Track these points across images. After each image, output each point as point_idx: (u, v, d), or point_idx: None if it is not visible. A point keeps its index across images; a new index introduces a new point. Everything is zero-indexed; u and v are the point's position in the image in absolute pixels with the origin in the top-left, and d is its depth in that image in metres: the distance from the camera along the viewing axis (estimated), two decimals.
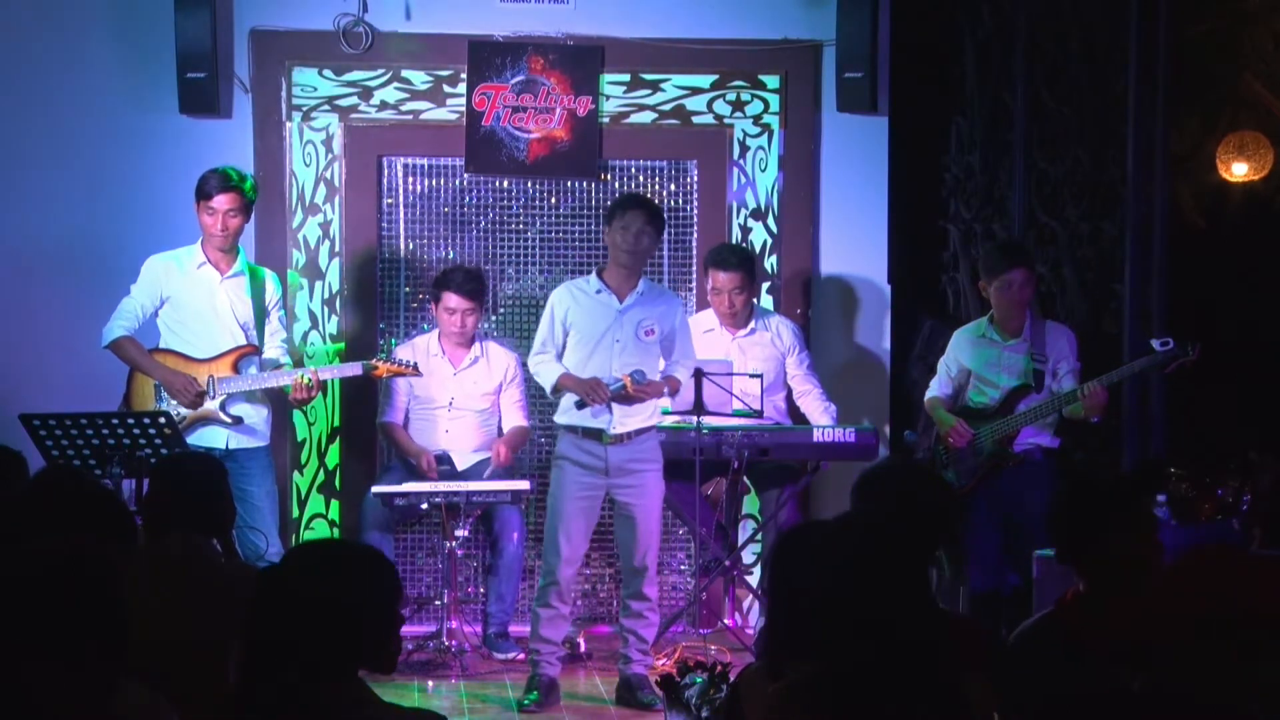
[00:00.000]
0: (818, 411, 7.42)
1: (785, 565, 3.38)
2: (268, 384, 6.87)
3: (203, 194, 6.83)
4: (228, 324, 6.89)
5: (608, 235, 6.55)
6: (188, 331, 6.86)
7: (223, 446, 6.78)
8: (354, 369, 7.01)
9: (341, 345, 7.66)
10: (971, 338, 7.12)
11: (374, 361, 7.03)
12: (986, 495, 6.92)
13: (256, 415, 6.93)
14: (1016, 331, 7.00)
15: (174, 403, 6.73)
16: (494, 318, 7.83)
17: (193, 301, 6.87)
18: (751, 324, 7.49)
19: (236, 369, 6.84)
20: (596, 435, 6.47)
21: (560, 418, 6.58)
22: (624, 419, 6.47)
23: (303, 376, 6.81)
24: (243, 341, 6.89)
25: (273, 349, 7.00)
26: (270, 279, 7.05)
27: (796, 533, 3.54)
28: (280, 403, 7.19)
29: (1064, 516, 3.97)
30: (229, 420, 6.81)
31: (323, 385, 6.94)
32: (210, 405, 6.78)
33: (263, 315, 6.96)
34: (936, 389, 7.16)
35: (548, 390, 6.63)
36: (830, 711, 3.01)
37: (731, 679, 5.35)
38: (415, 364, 7.09)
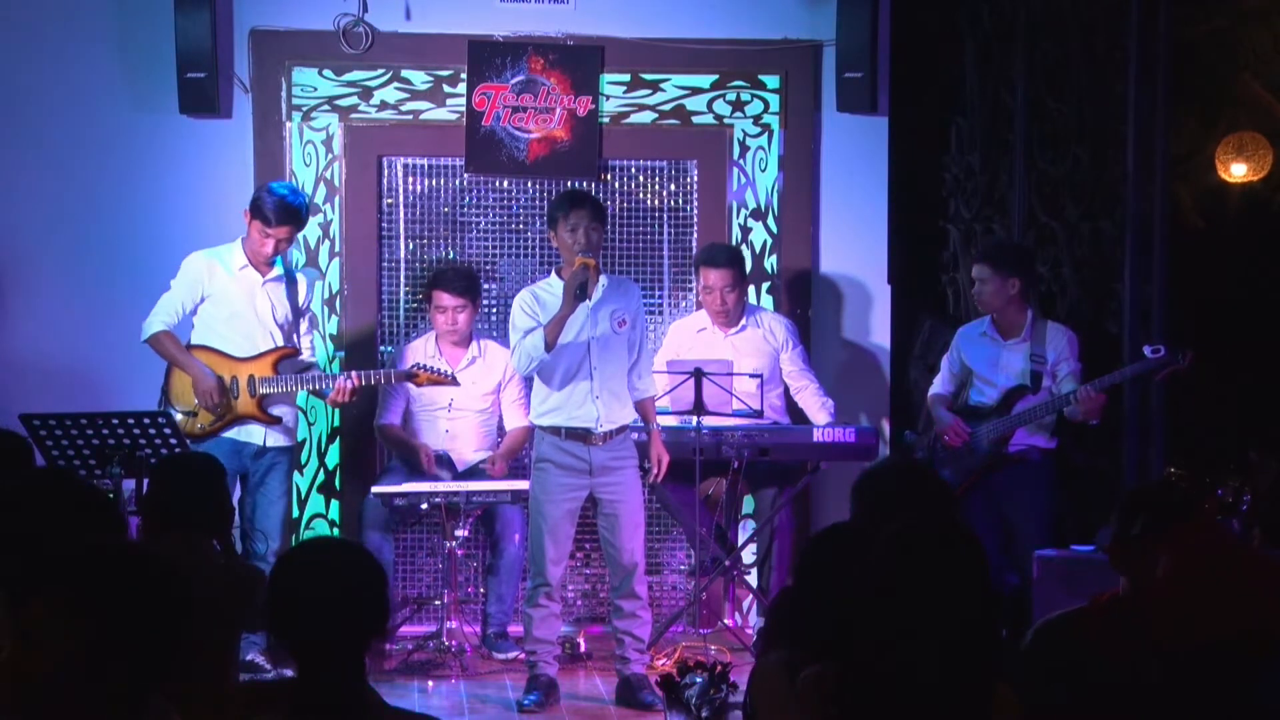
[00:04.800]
0: (815, 407, 7.41)
1: (815, 568, 3.39)
2: (307, 386, 6.92)
3: (262, 217, 6.78)
4: (267, 325, 6.92)
5: (555, 237, 6.47)
6: (227, 329, 6.88)
7: (259, 443, 6.88)
8: (396, 376, 7.01)
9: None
10: (973, 336, 7.15)
11: (414, 369, 7.02)
12: (982, 495, 6.93)
13: (290, 415, 7.02)
14: (1016, 331, 7.01)
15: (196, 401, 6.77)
16: (493, 318, 7.83)
17: (233, 302, 6.89)
18: (743, 321, 7.48)
19: (276, 370, 6.87)
20: (581, 436, 6.43)
21: (540, 420, 6.52)
22: (611, 416, 6.46)
23: (347, 380, 6.85)
24: (282, 343, 6.93)
25: (305, 351, 7.03)
26: (303, 282, 7.08)
27: (826, 536, 3.56)
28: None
29: (1120, 527, 3.99)
30: (271, 420, 6.88)
31: (361, 389, 6.95)
32: (249, 404, 6.83)
33: (298, 317, 6.99)
34: (939, 386, 7.21)
35: (544, 350, 6.27)
36: (869, 708, 3.02)
37: (733, 678, 5.38)
38: (452, 374, 7.07)
